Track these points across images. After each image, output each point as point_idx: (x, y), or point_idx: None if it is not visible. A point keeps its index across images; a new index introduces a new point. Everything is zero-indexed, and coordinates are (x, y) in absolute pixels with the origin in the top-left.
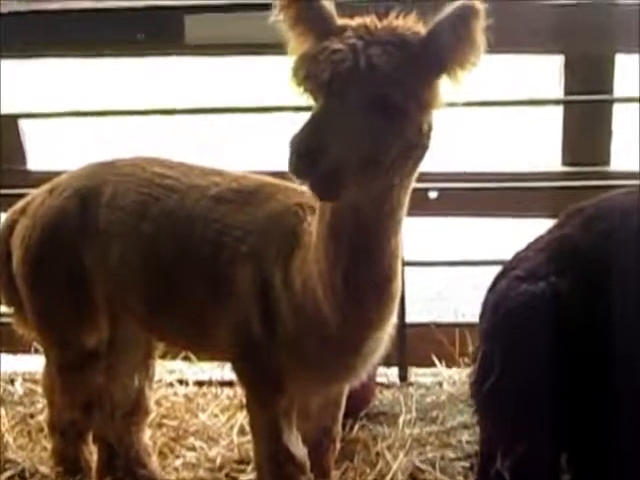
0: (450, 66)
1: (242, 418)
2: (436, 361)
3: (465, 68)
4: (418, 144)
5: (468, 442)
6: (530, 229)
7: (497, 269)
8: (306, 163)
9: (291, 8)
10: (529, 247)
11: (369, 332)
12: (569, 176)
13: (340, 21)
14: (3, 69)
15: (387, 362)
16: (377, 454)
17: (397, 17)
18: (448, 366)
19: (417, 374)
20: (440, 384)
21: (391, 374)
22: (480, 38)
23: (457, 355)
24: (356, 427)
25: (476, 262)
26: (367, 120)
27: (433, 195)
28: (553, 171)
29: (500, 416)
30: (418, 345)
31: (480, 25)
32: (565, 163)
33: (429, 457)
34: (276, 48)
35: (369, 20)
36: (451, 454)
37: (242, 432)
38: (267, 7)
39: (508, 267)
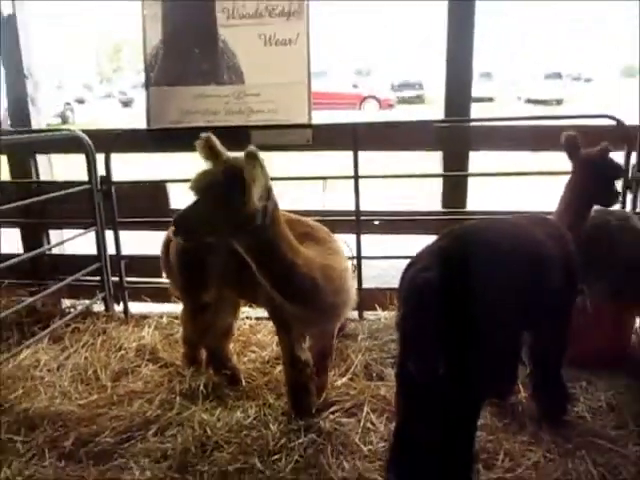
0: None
1: None
2: (377, 307)
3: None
4: (248, 220)
5: (394, 349)
6: (425, 241)
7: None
8: (176, 228)
9: (203, 150)
10: (424, 251)
11: (319, 304)
12: (446, 213)
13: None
14: (158, 157)
15: (353, 308)
16: (347, 355)
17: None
18: (383, 310)
19: (367, 314)
20: (379, 319)
21: (354, 314)
22: (256, 173)
23: (388, 304)
24: (336, 342)
25: (398, 257)
26: (210, 210)
27: (376, 222)
28: (438, 210)
29: (408, 341)
30: (368, 299)
31: (256, 165)
32: (443, 206)
33: (374, 357)
34: (298, 149)
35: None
36: (385, 355)
37: None
38: (300, 126)
39: (413, 262)
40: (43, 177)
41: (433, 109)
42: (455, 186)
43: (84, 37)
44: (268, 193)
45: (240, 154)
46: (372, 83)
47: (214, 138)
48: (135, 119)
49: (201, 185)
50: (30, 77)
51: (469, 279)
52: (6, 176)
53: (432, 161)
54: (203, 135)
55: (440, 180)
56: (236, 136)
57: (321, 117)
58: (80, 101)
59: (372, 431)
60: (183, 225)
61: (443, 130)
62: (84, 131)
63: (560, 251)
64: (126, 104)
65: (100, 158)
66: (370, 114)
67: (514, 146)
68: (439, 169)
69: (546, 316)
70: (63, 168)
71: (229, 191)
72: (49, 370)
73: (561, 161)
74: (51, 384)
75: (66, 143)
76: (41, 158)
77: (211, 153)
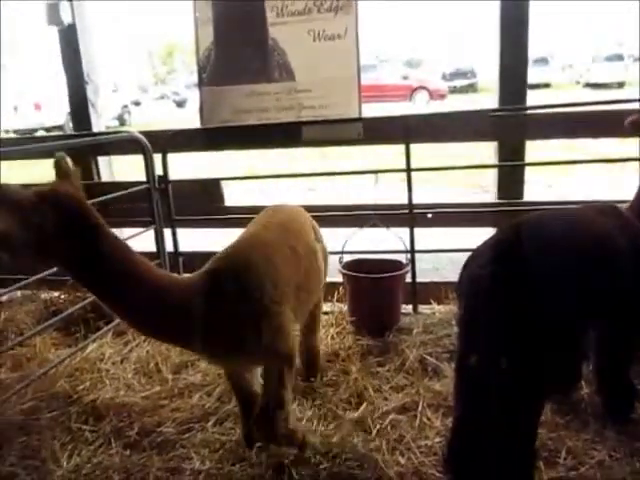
0: None
1: None
2: (432, 301)
3: None
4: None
5: (452, 344)
6: (483, 233)
7: (464, 255)
8: None
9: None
10: (483, 245)
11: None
12: (502, 205)
13: None
14: (215, 157)
15: (407, 302)
16: (402, 350)
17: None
18: (438, 304)
19: (422, 308)
20: (434, 313)
21: (408, 308)
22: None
23: (442, 298)
24: (391, 336)
25: (453, 250)
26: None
27: (429, 216)
28: (494, 202)
29: (469, 336)
30: (423, 293)
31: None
32: (499, 197)
33: (429, 351)
34: (349, 143)
35: None
36: (440, 350)
37: None
38: (351, 120)
39: (473, 256)
40: (104, 178)
41: (487, 97)
42: (511, 177)
43: (138, 40)
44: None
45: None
46: (423, 74)
47: (66, 160)
48: (189, 118)
49: None
50: (90, 83)
51: (530, 274)
52: None
53: (487, 151)
54: (57, 155)
55: (495, 171)
56: (287, 132)
57: (371, 110)
58: (136, 103)
59: (428, 426)
60: None
61: (498, 119)
62: (141, 132)
63: (629, 243)
64: (180, 104)
65: (157, 157)
66: (420, 105)
67: (573, 134)
68: (494, 160)
69: (614, 311)
70: (121, 168)
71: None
72: (113, 363)
73: (626, 147)
74: (116, 376)
75: (125, 144)
76: (102, 159)
77: (60, 173)
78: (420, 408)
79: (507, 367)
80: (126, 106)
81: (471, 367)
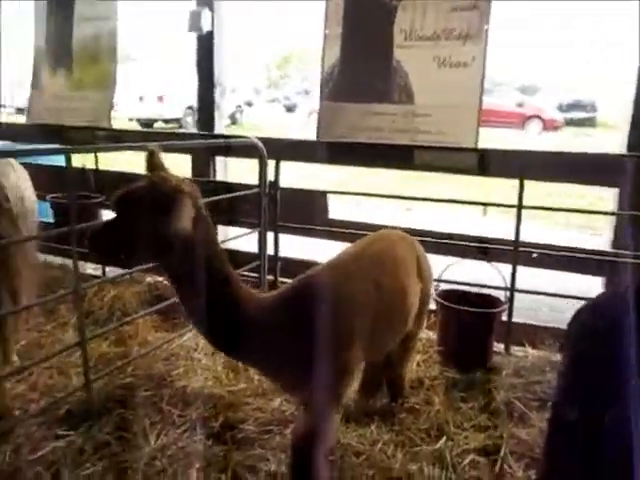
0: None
1: None
2: (526, 344)
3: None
4: (168, 245)
5: (543, 392)
6: (587, 280)
7: (564, 301)
8: (89, 243)
9: (148, 164)
10: (602, 296)
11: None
12: (617, 254)
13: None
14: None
15: (499, 341)
16: (489, 389)
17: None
18: (532, 348)
19: (514, 349)
20: (527, 356)
21: (500, 347)
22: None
23: (537, 342)
24: (479, 373)
25: (557, 295)
26: (127, 228)
27: (534, 255)
28: (605, 250)
29: (570, 387)
30: (517, 333)
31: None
32: (614, 245)
33: (517, 395)
34: (462, 172)
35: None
36: (529, 395)
37: None
38: (463, 150)
39: (588, 306)
40: (218, 177)
41: (606, 135)
42: (630, 225)
43: (259, 44)
44: (197, 222)
45: None
46: (538, 102)
47: (158, 153)
48: (297, 123)
49: (121, 199)
50: (219, 86)
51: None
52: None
53: (600, 190)
54: (150, 147)
55: (608, 219)
56: (401, 154)
57: (484, 136)
58: (249, 104)
59: (509, 474)
60: (96, 241)
61: (623, 164)
62: (259, 138)
63: None
64: (289, 109)
65: (270, 163)
66: (533, 135)
67: None
68: (611, 202)
69: None
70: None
71: (150, 209)
72: (205, 354)
73: None
74: (206, 367)
75: (243, 148)
76: (219, 159)
77: (153, 168)
78: (502, 453)
79: (612, 428)
80: (240, 106)
81: (570, 422)
